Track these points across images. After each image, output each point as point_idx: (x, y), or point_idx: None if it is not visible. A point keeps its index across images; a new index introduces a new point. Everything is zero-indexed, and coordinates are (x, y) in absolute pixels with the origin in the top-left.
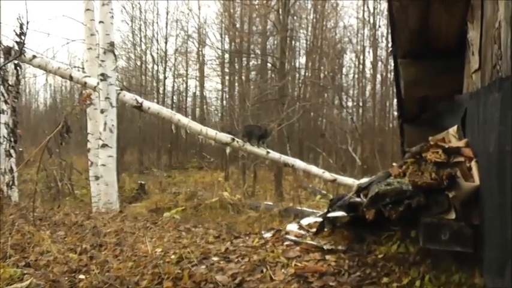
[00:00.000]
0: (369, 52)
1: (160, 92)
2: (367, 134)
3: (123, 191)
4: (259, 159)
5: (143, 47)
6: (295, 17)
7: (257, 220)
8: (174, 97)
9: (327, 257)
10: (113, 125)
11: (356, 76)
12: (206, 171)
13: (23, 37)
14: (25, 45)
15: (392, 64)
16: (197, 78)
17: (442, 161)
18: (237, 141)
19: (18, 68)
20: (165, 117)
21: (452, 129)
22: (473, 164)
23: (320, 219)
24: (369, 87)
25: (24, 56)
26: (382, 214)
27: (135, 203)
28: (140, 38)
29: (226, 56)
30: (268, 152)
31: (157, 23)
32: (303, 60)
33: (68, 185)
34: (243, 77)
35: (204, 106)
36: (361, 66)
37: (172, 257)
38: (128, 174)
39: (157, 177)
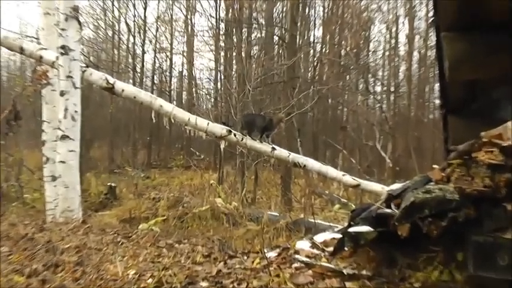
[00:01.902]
0: (403, 23)
1: (138, 70)
2: (401, 127)
3: (87, 196)
4: (262, 157)
5: (116, 13)
6: None
7: (258, 235)
8: (155, 77)
9: (348, 284)
10: (76, 111)
11: (387, 53)
12: (195, 171)
13: None
14: None
15: (434, 39)
16: (184, 54)
17: (499, 163)
18: (235, 134)
19: None
20: (143, 103)
21: None
22: None
23: (339, 235)
24: (403, 68)
25: None
26: (420, 230)
27: (103, 211)
28: (113, 2)
29: (222, 26)
30: (273, 149)
31: None
32: (318, 32)
33: (15, 187)
34: (243, 53)
35: (193, 89)
36: (393, 41)
37: (149, 281)
38: (95, 174)
39: (132, 178)
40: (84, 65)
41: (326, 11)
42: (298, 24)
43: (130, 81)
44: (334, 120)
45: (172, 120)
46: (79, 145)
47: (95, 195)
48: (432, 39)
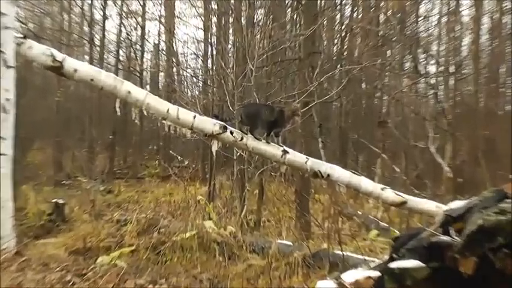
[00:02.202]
0: None
1: (97, 42)
2: (464, 123)
3: (24, 217)
4: (270, 163)
5: None
6: None
7: (264, 272)
8: (121, 52)
9: None
10: (7, 100)
11: (444, 20)
12: (175, 183)
13: None
14: None
15: None
16: (162, 20)
17: None
18: (232, 132)
19: None
20: (104, 88)
21: None
22: None
23: (376, 273)
24: (467, 40)
25: None
26: (490, 265)
27: (46, 238)
28: None
29: None
30: (285, 152)
31: None
32: None
33: None
34: (243, 20)
35: (174, 69)
36: (452, 3)
37: None
38: (35, 187)
39: (87, 193)
40: (21, 36)
41: None
42: None
43: (86, 57)
44: (369, 113)
45: (145, 113)
46: (12, 146)
47: (34, 215)
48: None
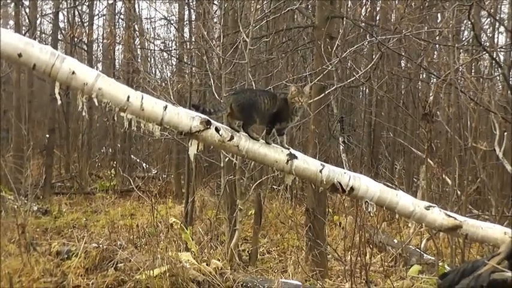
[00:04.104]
0: None
1: (26, 2)
2: None
3: None
4: (271, 172)
5: None
6: None
7: None
8: (61, 16)
9: None
10: None
11: None
12: (139, 200)
13: None
14: None
15: None
16: None
17: None
18: (217, 129)
19: None
20: (37, 65)
21: None
22: None
23: None
24: None
25: None
26: None
27: None
28: None
29: None
30: (292, 156)
31: None
32: None
33: None
34: None
35: (136, 40)
36: None
37: None
38: None
39: (14, 214)
40: None
41: None
42: None
43: (11, 22)
44: (410, 102)
45: (96, 102)
46: None
47: None
48: None
